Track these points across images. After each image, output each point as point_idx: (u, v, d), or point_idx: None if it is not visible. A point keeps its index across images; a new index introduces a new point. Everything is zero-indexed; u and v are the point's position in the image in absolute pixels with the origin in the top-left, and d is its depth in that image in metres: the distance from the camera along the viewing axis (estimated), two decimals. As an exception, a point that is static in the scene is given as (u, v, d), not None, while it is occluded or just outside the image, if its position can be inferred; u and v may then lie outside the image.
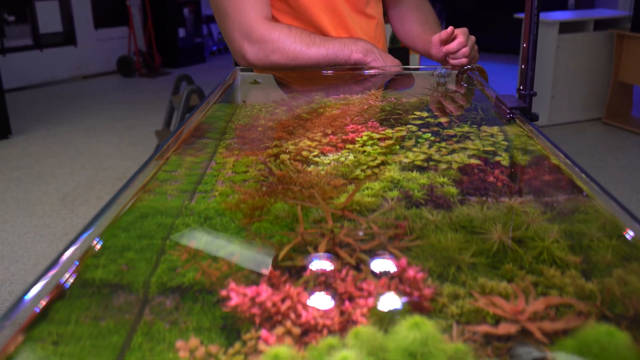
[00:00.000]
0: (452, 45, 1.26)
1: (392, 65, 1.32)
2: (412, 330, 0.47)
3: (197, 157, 0.89)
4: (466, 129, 0.94)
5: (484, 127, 0.93)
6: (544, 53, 4.52)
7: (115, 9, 7.07)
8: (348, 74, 1.30)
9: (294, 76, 1.33)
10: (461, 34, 1.26)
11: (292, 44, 1.25)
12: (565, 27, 4.51)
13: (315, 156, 0.86)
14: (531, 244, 0.61)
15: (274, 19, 1.32)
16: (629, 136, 4.37)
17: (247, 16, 1.25)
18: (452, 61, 1.28)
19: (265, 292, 0.53)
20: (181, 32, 7.40)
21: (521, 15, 4.64)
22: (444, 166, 0.80)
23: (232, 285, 0.54)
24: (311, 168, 0.82)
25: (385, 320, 0.50)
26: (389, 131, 0.93)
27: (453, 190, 0.73)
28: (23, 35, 6.42)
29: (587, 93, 4.73)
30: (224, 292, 0.54)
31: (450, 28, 1.26)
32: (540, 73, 4.56)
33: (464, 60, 1.27)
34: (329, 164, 0.83)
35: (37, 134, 4.72)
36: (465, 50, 1.26)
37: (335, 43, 1.27)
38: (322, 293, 0.54)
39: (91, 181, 3.71)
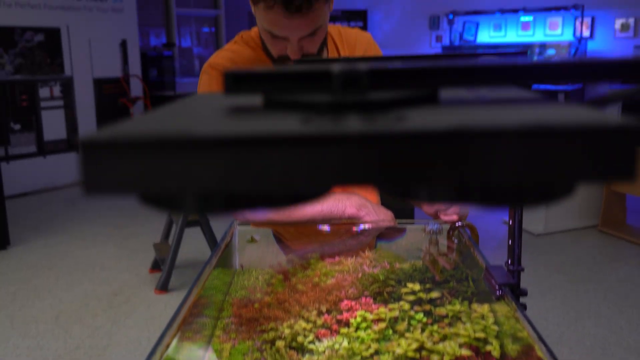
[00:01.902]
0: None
1: (384, 219, 1.37)
2: None
3: (195, 341, 0.91)
4: (457, 306, 0.96)
5: (474, 306, 0.96)
6: (536, 163, 4.63)
7: (118, 115, 7.30)
8: (343, 229, 1.35)
9: (291, 231, 1.37)
10: (451, 191, 1.31)
11: (288, 201, 1.30)
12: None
13: (310, 342, 0.88)
14: None
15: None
16: (625, 245, 4.40)
17: (245, 175, 1.30)
18: (443, 217, 1.33)
19: None
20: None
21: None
22: (436, 358, 0.82)
23: None
24: (306, 358, 0.83)
25: None
26: (382, 310, 0.95)
27: (445, 392, 0.75)
28: (27, 142, 6.58)
29: (581, 201, 4.80)
30: None
31: (440, 187, 1.31)
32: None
33: (455, 217, 1.31)
34: (324, 352, 0.85)
35: (36, 244, 4.74)
36: (455, 208, 1.30)
37: (329, 199, 1.32)
38: None
39: (87, 297, 3.69)
